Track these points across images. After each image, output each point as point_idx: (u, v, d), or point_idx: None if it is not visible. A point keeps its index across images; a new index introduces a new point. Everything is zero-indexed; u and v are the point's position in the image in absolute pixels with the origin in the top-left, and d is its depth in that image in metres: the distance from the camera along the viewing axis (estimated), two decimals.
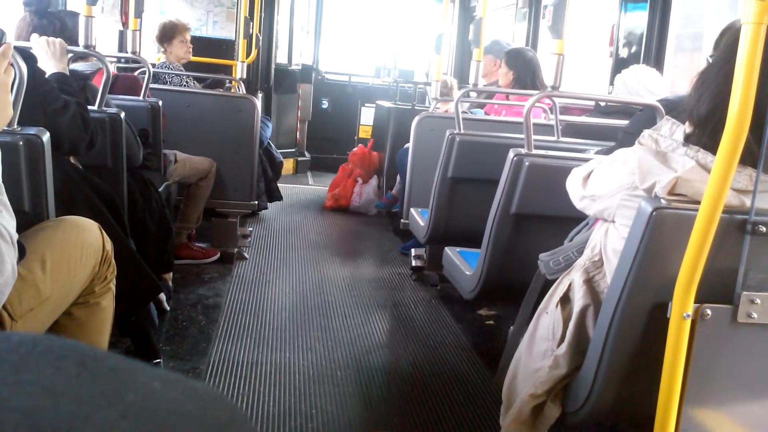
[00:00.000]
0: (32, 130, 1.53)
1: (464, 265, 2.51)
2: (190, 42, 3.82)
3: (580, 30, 4.49)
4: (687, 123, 1.27)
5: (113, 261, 1.61)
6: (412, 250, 3.54)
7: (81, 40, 2.31)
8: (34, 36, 2.18)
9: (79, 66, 2.47)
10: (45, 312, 1.41)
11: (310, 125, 6.92)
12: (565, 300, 1.44)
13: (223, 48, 5.66)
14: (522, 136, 2.19)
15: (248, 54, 4.36)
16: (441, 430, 2.05)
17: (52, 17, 2.41)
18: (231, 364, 2.33)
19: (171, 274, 2.82)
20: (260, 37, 5.18)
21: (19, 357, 0.29)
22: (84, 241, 1.50)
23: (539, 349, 1.44)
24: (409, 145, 3.54)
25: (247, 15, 4.34)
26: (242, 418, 0.33)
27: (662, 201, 1.18)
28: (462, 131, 2.77)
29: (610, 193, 1.34)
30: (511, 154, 2.12)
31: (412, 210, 3.34)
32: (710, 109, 1.22)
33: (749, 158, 1.13)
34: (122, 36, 4.53)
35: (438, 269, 3.07)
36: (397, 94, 5.58)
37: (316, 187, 6.03)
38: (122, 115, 2.25)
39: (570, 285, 1.44)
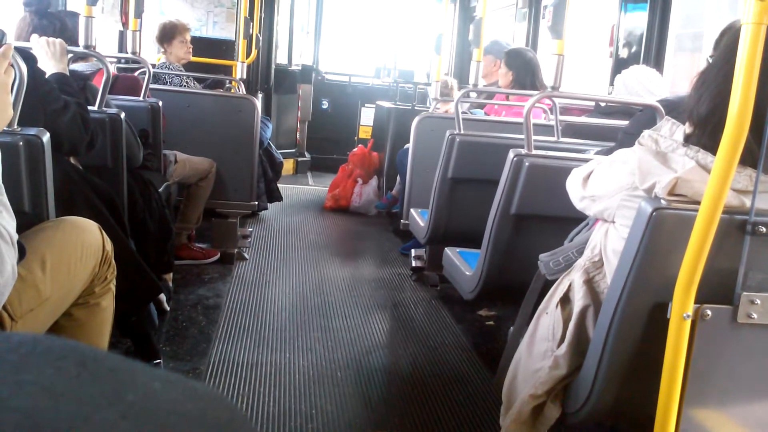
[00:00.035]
0: (32, 131, 1.53)
1: (464, 265, 2.51)
2: (190, 42, 3.82)
3: (580, 30, 4.49)
4: (687, 123, 1.27)
5: (113, 261, 1.61)
6: (412, 250, 3.54)
7: (81, 41, 2.31)
8: (34, 36, 2.18)
9: (79, 66, 2.47)
10: (45, 312, 1.41)
11: (310, 125, 6.92)
12: (565, 300, 1.44)
13: (223, 48, 5.66)
14: (522, 136, 2.19)
15: (248, 54, 4.36)
16: (441, 430, 2.05)
17: (52, 17, 2.41)
18: (231, 364, 2.33)
19: (171, 274, 2.82)
20: (260, 38, 5.18)
21: (19, 357, 0.29)
22: (84, 241, 1.50)
23: (539, 350, 1.44)
24: (409, 145, 3.54)
25: (247, 15, 4.35)
26: (242, 418, 0.33)
27: (662, 201, 1.18)
28: (462, 131, 2.77)
29: (610, 194, 1.34)
30: (511, 154, 2.12)
31: (412, 210, 3.34)
32: (710, 110, 1.22)
33: (749, 158, 1.13)
34: (122, 36, 4.53)
35: (438, 270, 3.07)
36: (397, 95, 5.58)
37: (316, 187, 6.04)
38: (122, 115, 2.25)
39: (570, 285, 1.44)
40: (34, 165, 1.52)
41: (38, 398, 0.26)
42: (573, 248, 1.55)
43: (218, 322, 2.69)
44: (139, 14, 3.32)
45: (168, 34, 3.75)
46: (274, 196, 4.35)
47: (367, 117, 6.64)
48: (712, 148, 1.17)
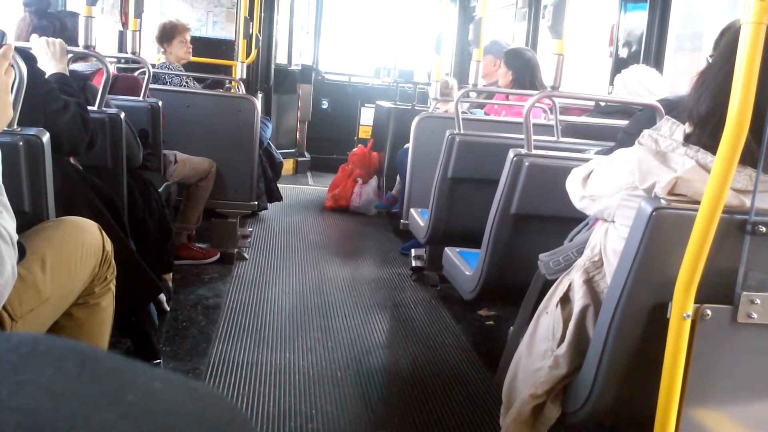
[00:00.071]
0: (32, 131, 1.53)
1: (464, 265, 2.51)
2: (189, 42, 3.82)
3: (580, 30, 4.49)
4: (687, 123, 1.27)
5: (113, 261, 1.61)
6: (412, 250, 3.54)
7: (81, 41, 2.31)
8: (34, 36, 2.18)
9: (79, 66, 2.47)
10: (45, 312, 1.41)
11: (310, 125, 6.92)
12: (565, 300, 1.44)
13: (223, 48, 5.66)
14: (522, 136, 2.19)
15: (248, 54, 4.36)
16: (441, 430, 2.05)
17: (52, 18, 2.41)
18: (231, 364, 2.33)
19: (171, 274, 2.82)
20: (260, 38, 5.18)
21: (20, 357, 0.29)
22: (84, 241, 1.50)
23: (539, 350, 1.44)
24: (409, 145, 3.54)
25: (247, 15, 4.35)
26: (242, 418, 0.33)
27: (662, 201, 1.18)
28: (462, 131, 2.77)
29: (609, 193, 1.34)
30: (511, 154, 2.12)
31: (412, 210, 3.34)
32: (710, 109, 1.22)
33: (749, 158, 1.13)
34: (122, 36, 4.53)
35: (438, 269, 3.07)
36: (397, 95, 5.58)
37: (316, 187, 6.03)
38: (122, 115, 2.25)
39: (570, 285, 1.44)
40: (34, 165, 1.52)
41: (38, 398, 0.26)
42: (573, 248, 1.55)
43: (218, 322, 2.69)
44: (138, 14, 3.32)
45: (168, 34, 3.75)
46: (274, 196, 4.35)
47: (366, 117, 6.64)
48: (712, 147, 1.17)
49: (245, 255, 3.62)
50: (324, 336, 2.66)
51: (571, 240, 1.63)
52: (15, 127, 1.50)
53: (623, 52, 3.87)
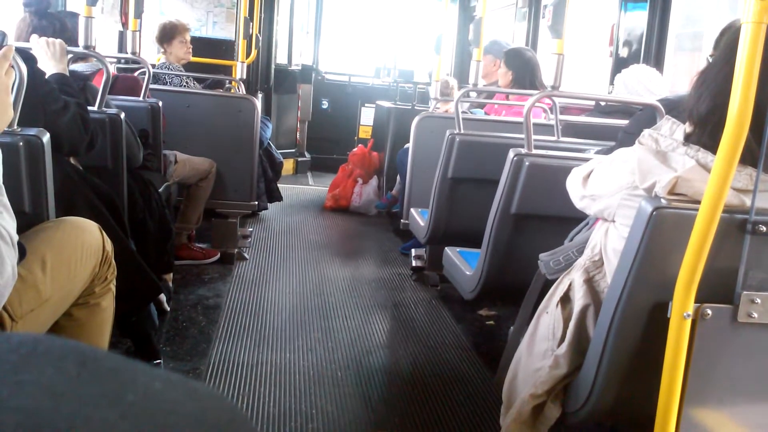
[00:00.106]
0: (32, 131, 1.53)
1: (464, 265, 2.51)
2: (189, 42, 3.82)
3: (580, 30, 4.49)
4: (687, 122, 1.27)
5: (113, 262, 1.61)
6: (413, 250, 3.54)
7: (81, 41, 2.31)
8: (34, 37, 2.18)
9: (79, 66, 2.47)
10: (45, 313, 1.41)
11: (310, 125, 6.92)
12: (566, 300, 1.44)
13: (223, 48, 5.66)
14: (522, 136, 2.19)
15: (248, 54, 4.36)
16: (441, 430, 2.05)
17: (51, 18, 2.41)
18: (231, 364, 2.33)
19: (171, 274, 2.82)
20: (260, 38, 5.18)
21: (20, 357, 0.29)
22: (84, 241, 1.50)
23: (539, 349, 1.44)
24: (409, 145, 3.54)
25: (247, 15, 4.35)
26: (243, 418, 0.33)
27: (662, 201, 1.18)
28: (462, 131, 2.77)
29: (610, 193, 1.34)
30: (511, 154, 2.12)
31: (412, 210, 3.34)
32: (710, 109, 1.22)
33: (749, 158, 1.13)
34: (122, 36, 4.53)
35: (438, 269, 3.07)
36: (397, 95, 5.58)
37: (316, 187, 6.04)
38: (122, 115, 2.25)
39: (570, 285, 1.44)
40: (35, 165, 1.53)
41: (38, 398, 0.26)
42: (573, 248, 1.55)
43: (218, 322, 2.69)
44: (138, 14, 3.32)
45: (168, 34, 3.75)
46: (274, 196, 4.35)
47: (367, 117, 6.64)
48: (712, 147, 1.17)
49: (245, 255, 3.62)
50: (324, 336, 2.66)
51: (572, 240, 1.63)
52: (15, 127, 1.50)
53: (623, 52, 3.87)
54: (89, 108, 2.05)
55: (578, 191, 1.46)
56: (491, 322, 2.99)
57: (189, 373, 2.24)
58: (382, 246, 4.22)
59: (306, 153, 6.89)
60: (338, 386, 2.24)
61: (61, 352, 0.29)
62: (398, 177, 4.52)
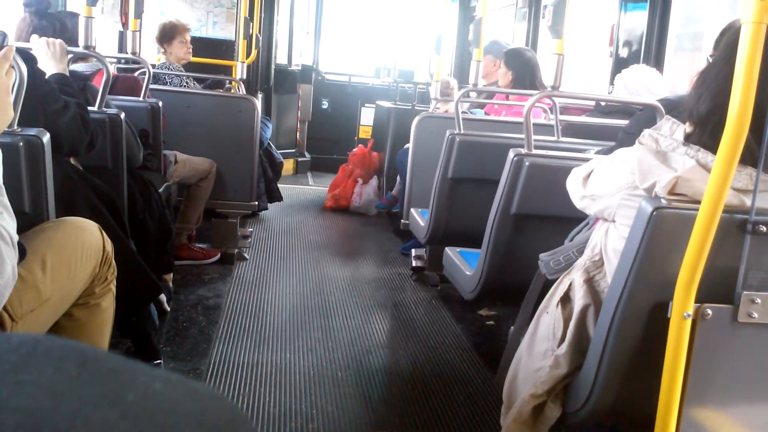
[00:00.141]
0: (32, 131, 1.53)
1: (464, 265, 2.51)
2: (190, 42, 3.82)
3: (580, 30, 4.49)
4: (687, 122, 1.27)
5: (113, 262, 1.61)
6: (413, 250, 3.54)
7: (81, 41, 2.31)
8: (34, 37, 2.18)
9: (79, 67, 2.47)
10: (45, 313, 1.41)
11: (310, 126, 6.92)
12: (566, 300, 1.44)
13: (223, 48, 5.66)
14: (522, 136, 2.19)
15: (248, 54, 4.36)
16: (441, 430, 2.05)
17: (52, 18, 2.41)
18: (231, 364, 2.33)
19: (171, 275, 2.82)
20: (260, 38, 5.18)
21: (20, 357, 0.29)
22: (84, 242, 1.50)
23: (540, 349, 1.44)
24: (409, 145, 3.54)
25: (247, 15, 4.35)
26: (243, 418, 0.33)
27: (662, 201, 1.18)
28: (462, 131, 2.77)
29: (610, 193, 1.34)
30: (511, 154, 2.12)
31: (412, 210, 3.34)
32: (710, 109, 1.22)
33: (749, 158, 1.13)
34: (122, 37, 4.53)
35: (438, 269, 3.07)
36: (397, 95, 5.58)
37: (316, 187, 6.04)
38: (122, 115, 2.25)
39: (570, 285, 1.44)
40: (35, 165, 1.53)
41: (39, 398, 0.26)
42: (573, 248, 1.55)
43: (218, 322, 2.69)
44: (139, 14, 3.32)
45: (168, 34, 3.75)
46: (275, 196, 4.36)
47: (367, 117, 6.64)
48: (712, 147, 1.17)
49: (245, 255, 3.62)
50: (324, 336, 2.66)
51: (572, 240, 1.63)
52: (15, 127, 1.50)
53: (623, 52, 3.87)
54: (89, 108, 2.05)
55: (578, 191, 1.46)
56: (491, 322, 2.99)
57: (189, 373, 2.24)
58: (382, 246, 4.22)
59: (306, 153, 6.89)
60: (338, 386, 2.24)
61: (61, 352, 0.29)
62: (398, 177, 4.52)
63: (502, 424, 1.49)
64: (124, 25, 4.65)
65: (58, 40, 2.15)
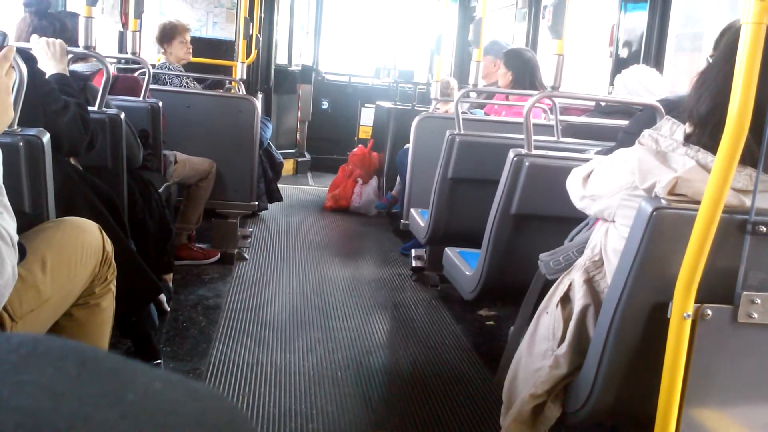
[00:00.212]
0: (32, 131, 1.53)
1: (464, 265, 2.51)
2: (190, 43, 3.82)
3: (580, 30, 4.49)
4: (687, 123, 1.27)
5: (113, 262, 1.61)
6: (413, 250, 3.54)
7: (81, 41, 2.31)
8: (34, 37, 2.18)
9: (79, 67, 2.47)
10: (45, 313, 1.41)
11: (310, 126, 6.92)
12: (566, 300, 1.44)
13: (223, 49, 5.66)
14: (522, 136, 2.19)
15: (248, 55, 4.36)
16: (441, 430, 2.05)
17: (52, 18, 2.41)
18: (231, 364, 2.33)
19: (171, 275, 2.82)
20: (260, 38, 5.18)
21: (20, 357, 0.29)
22: (84, 242, 1.50)
23: (539, 349, 1.44)
24: (409, 145, 3.54)
25: (247, 16, 4.35)
26: (243, 418, 0.33)
27: (662, 201, 1.18)
28: (462, 132, 2.77)
29: (610, 193, 1.34)
30: (511, 154, 2.12)
31: (412, 210, 3.34)
32: (710, 109, 1.22)
33: (749, 158, 1.13)
34: (122, 37, 4.53)
35: (438, 270, 3.07)
36: (397, 95, 5.58)
37: (316, 187, 6.04)
38: (122, 116, 2.25)
39: (570, 285, 1.44)
40: (35, 165, 1.53)
41: (38, 398, 0.26)
42: (573, 248, 1.55)
43: (218, 322, 2.69)
44: (139, 15, 3.32)
45: (168, 34, 3.75)
46: (275, 196, 4.36)
47: (367, 117, 6.64)
48: (712, 147, 1.17)
49: (245, 255, 3.62)
50: (324, 336, 2.66)
51: (572, 240, 1.63)
52: (15, 127, 1.50)
53: (623, 52, 3.87)
54: (89, 108, 2.05)
55: (578, 191, 1.46)
56: (491, 322, 2.99)
57: (189, 373, 2.24)
58: (382, 246, 4.22)
59: (306, 153, 6.89)
60: (338, 386, 2.24)
61: (61, 353, 0.29)
62: (398, 177, 4.52)
63: (502, 424, 1.49)
64: (124, 25, 4.65)
65: (58, 40, 2.15)
